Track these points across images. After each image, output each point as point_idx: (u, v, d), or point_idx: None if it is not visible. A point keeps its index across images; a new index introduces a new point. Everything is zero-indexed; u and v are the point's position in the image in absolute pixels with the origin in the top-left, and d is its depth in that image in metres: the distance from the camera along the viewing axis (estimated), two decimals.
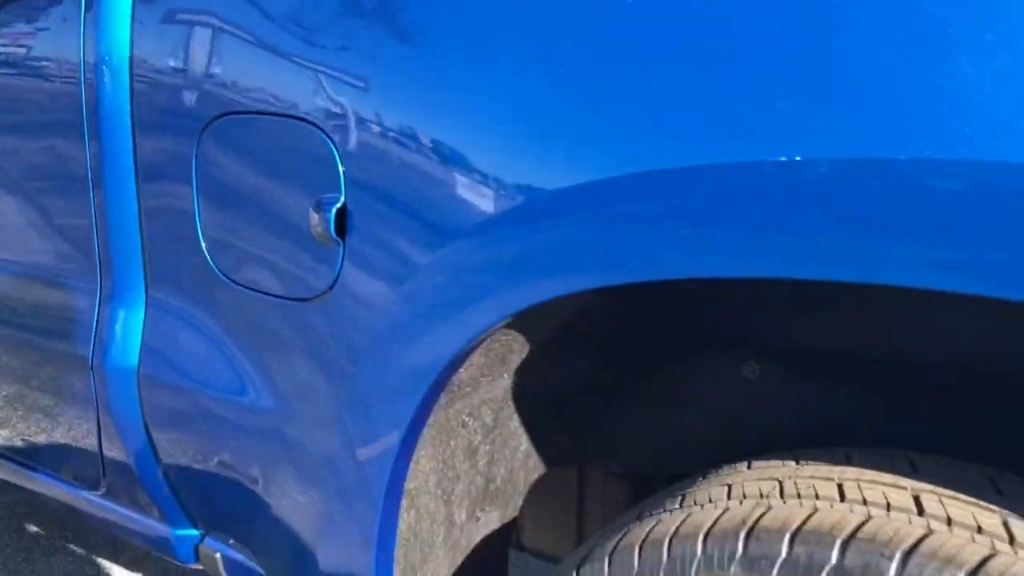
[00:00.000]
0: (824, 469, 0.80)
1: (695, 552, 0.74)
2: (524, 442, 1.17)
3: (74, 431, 1.33)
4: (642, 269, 0.73)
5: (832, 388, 1.01)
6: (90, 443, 1.32)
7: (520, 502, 1.20)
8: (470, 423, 1.08)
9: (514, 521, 1.21)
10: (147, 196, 1.13)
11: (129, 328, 1.18)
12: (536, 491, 1.20)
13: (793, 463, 0.83)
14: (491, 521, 1.18)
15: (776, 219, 0.65)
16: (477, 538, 1.15)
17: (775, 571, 0.69)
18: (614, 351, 1.09)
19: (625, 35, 0.72)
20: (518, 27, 0.78)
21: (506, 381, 1.06)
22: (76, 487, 1.40)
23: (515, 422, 1.14)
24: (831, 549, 0.67)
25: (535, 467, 1.19)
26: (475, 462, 1.11)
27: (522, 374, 1.07)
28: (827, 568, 0.67)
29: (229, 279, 1.06)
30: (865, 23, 0.61)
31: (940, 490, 0.74)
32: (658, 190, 0.70)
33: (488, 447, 1.12)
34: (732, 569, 0.71)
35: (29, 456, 1.48)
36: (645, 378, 1.12)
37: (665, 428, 1.14)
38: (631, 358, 1.10)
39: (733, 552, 0.72)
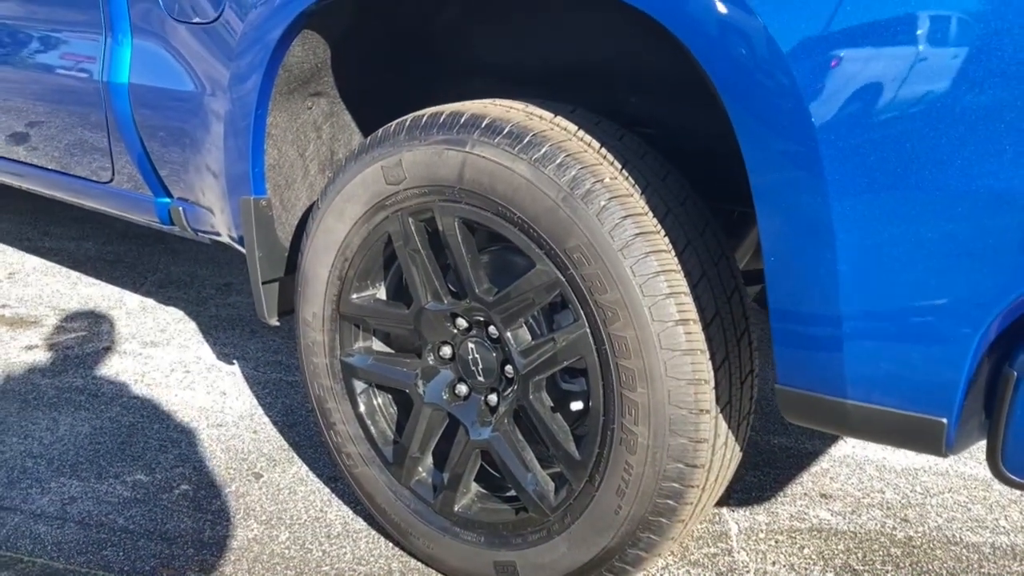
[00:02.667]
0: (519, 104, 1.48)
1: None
2: (356, 132, 1.90)
3: (91, 139, 2.11)
4: None
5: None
6: (102, 146, 2.09)
7: None
8: (313, 107, 1.81)
9: None
10: None
11: (122, 58, 1.94)
12: None
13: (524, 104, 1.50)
14: None
15: None
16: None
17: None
18: (396, 66, 1.81)
19: None
20: None
21: (330, 80, 1.78)
22: (92, 181, 2.20)
23: (347, 116, 1.87)
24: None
25: None
26: (320, 135, 1.85)
27: (340, 80, 1.79)
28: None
29: (174, 19, 1.81)
30: None
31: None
32: None
33: (329, 128, 1.86)
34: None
35: (53, 165, 2.28)
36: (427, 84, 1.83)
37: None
38: (412, 70, 1.82)
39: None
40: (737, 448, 1.45)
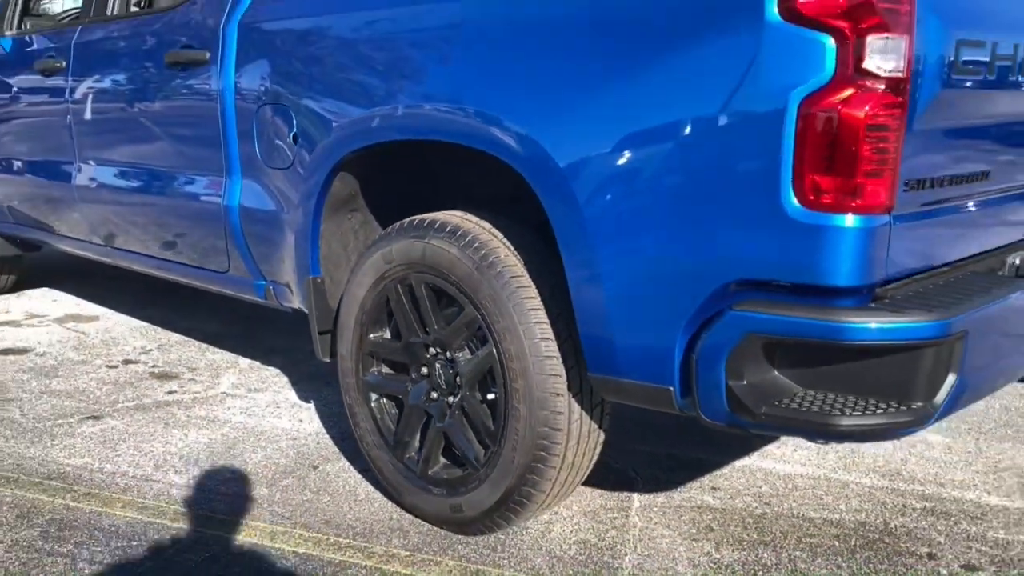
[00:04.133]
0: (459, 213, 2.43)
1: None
2: (379, 230, 2.87)
3: (215, 244, 3.15)
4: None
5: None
6: (222, 247, 3.13)
7: None
8: (351, 218, 2.79)
9: None
10: (239, 143, 2.94)
11: (235, 190, 2.99)
12: None
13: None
14: None
15: None
16: None
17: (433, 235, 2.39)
18: (406, 196, 2.78)
19: None
20: None
21: (361, 202, 2.76)
22: (215, 271, 3.24)
23: (375, 223, 2.84)
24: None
25: None
26: (356, 236, 2.82)
27: (368, 200, 2.77)
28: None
29: (266, 165, 2.85)
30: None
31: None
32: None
33: (363, 230, 2.83)
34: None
35: (189, 261, 3.34)
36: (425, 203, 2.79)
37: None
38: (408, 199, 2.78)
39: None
40: (595, 425, 2.28)
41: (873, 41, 1.66)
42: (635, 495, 2.74)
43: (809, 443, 3.14)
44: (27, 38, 4.15)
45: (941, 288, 1.91)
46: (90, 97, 3.60)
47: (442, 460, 2.51)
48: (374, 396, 2.62)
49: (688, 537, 2.49)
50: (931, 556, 2.42)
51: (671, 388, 1.97)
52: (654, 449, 3.06)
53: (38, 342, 4.23)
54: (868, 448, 3.10)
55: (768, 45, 1.71)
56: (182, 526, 2.50)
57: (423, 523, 2.53)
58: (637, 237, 1.93)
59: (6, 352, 4.07)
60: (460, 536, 2.46)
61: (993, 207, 2.12)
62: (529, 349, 2.17)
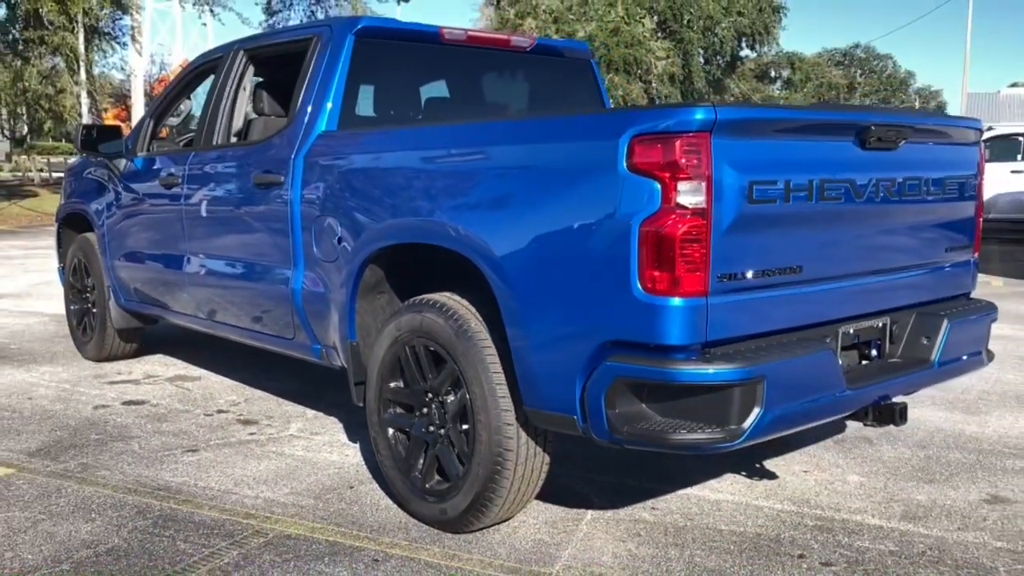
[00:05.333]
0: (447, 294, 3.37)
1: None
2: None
3: (285, 318, 4.17)
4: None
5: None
6: (290, 321, 4.14)
7: None
8: (380, 298, 3.76)
9: None
10: (302, 243, 3.97)
11: (299, 276, 4.01)
12: None
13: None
14: None
15: None
16: None
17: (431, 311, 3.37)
18: (416, 280, 3.73)
19: None
20: None
21: (387, 289, 3.73)
22: (285, 339, 4.25)
23: (398, 301, 3.81)
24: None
25: None
26: (384, 310, 3.77)
27: (392, 284, 3.73)
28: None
29: (320, 259, 3.86)
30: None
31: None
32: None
33: (389, 307, 3.79)
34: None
35: (266, 331, 4.36)
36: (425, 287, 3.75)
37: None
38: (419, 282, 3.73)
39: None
40: (539, 448, 3.15)
41: (682, 185, 2.55)
42: (589, 511, 3.56)
43: (746, 477, 3.91)
44: (154, 158, 5.33)
45: (760, 347, 2.74)
46: (197, 206, 4.72)
47: (436, 476, 3.40)
48: (391, 430, 3.54)
49: (618, 539, 3.31)
50: (801, 556, 3.17)
51: (575, 416, 2.83)
52: (615, 480, 3.89)
53: (153, 396, 5.32)
54: (791, 483, 3.85)
55: (621, 187, 2.62)
56: (249, 522, 3.45)
57: (422, 524, 3.41)
58: (548, 309, 2.83)
59: (128, 403, 5.16)
60: (448, 533, 3.33)
61: (813, 291, 2.93)
62: (488, 391, 3.07)
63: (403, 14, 38.96)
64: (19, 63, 24.35)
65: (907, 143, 3.11)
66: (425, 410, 3.39)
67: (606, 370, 2.70)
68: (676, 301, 2.59)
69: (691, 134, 2.54)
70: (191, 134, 5.38)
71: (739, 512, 3.56)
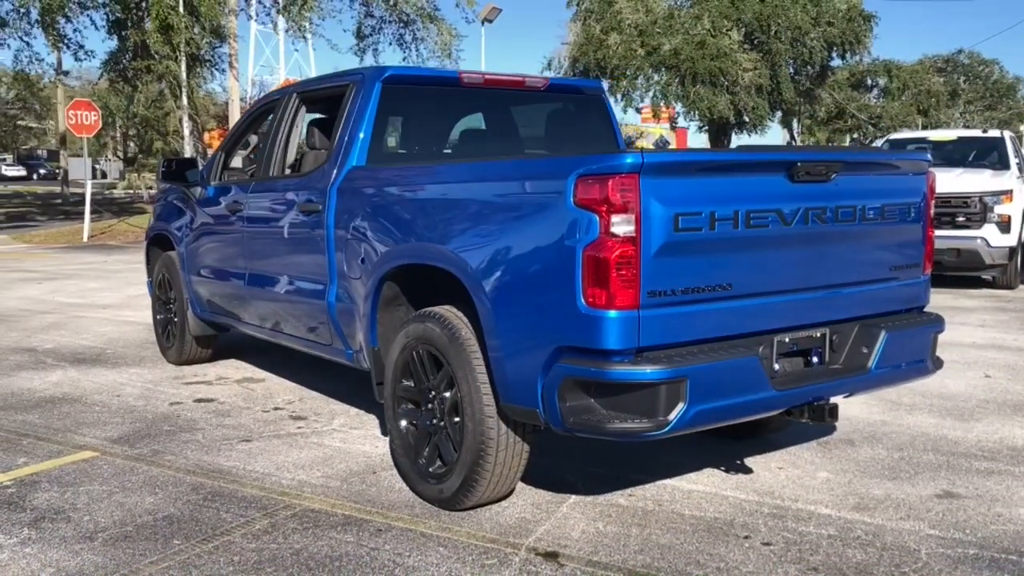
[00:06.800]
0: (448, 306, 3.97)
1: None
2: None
3: (321, 326, 4.82)
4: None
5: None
6: (325, 329, 4.79)
7: None
8: (398, 311, 4.37)
9: None
10: (335, 263, 4.62)
11: (333, 290, 4.65)
12: None
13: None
14: None
15: None
16: None
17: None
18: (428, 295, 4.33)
19: None
20: None
21: (404, 302, 4.33)
22: (319, 344, 4.91)
23: (412, 313, 4.41)
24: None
25: None
26: (401, 319, 4.39)
27: (409, 297, 4.34)
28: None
29: (348, 276, 4.49)
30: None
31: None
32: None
33: (406, 317, 4.40)
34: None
35: (305, 336, 5.03)
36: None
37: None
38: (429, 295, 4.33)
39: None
40: (518, 438, 3.69)
41: (615, 218, 3.07)
42: (572, 496, 4.09)
43: (724, 472, 4.37)
44: (223, 187, 6.09)
45: (687, 353, 3.23)
46: (256, 228, 5.44)
47: (437, 462, 3.98)
48: (403, 423, 4.14)
49: (590, 519, 3.82)
50: (747, 537, 3.63)
51: (538, 410, 3.37)
52: (603, 471, 4.40)
53: (221, 395, 6.07)
54: (763, 477, 4.30)
55: (568, 219, 3.16)
56: (282, 498, 4.09)
57: (426, 503, 4.00)
58: (515, 320, 3.39)
59: (199, 401, 5.91)
60: (445, 511, 3.91)
61: (744, 305, 3.40)
62: (474, 389, 3.64)
63: (486, 34, 39.92)
64: (129, 89, 26.10)
65: (841, 176, 3.55)
66: (429, 405, 3.97)
67: (558, 370, 3.24)
68: (612, 313, 3.11)
69: (622, 175, 3.07)
70: (253, 167, 6.12)
71: (705, 500, 4.03)
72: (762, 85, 46.62)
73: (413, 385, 4.07)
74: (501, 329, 3.46)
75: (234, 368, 6.93)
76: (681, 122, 52.16)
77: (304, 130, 5.43)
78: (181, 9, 22.04)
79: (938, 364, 4.09)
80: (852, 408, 5.50)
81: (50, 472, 4.48)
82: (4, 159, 67.87)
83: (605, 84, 44.60)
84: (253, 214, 5.51)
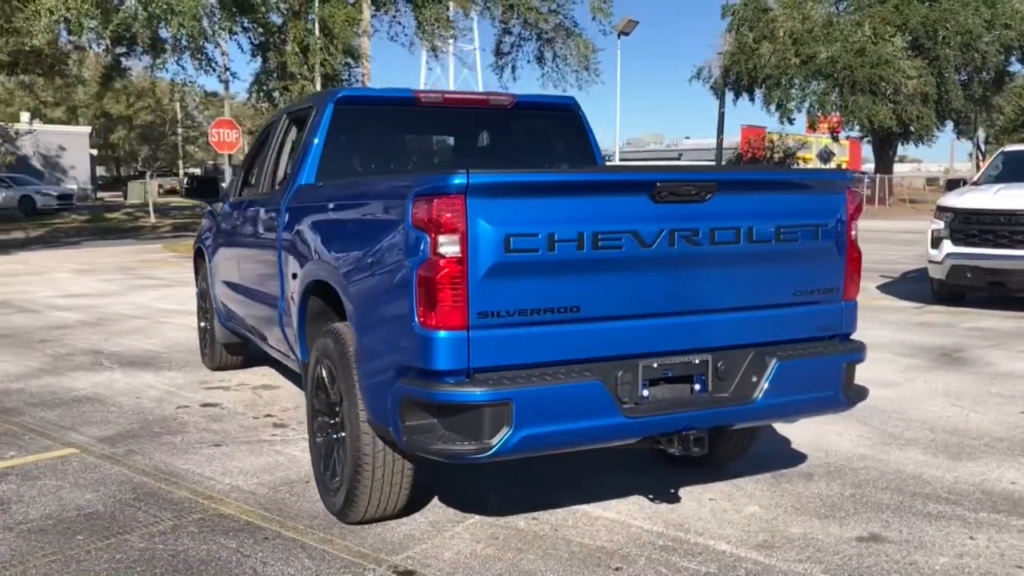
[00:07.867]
0: None
1: None
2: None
3: (280, 336, 5.00)
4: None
5: None
6: (284, 340, 4.97)
7: None
8: (323, 322, 4.48)
9: None
10: (282, 275, 4.79)
11: (282, 303, 4.83)
12: None
13: None
14: None
15: None
16: None
17: None
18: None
19: None
20: None
21: (333, 316, 4.44)
22: (285, 355, 5.09)
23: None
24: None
25: None
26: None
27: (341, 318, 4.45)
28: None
29: (288, 292, 4.65)
30: None
31: None
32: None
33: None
34: None
35: (273, 347, 5.22)
36: None
37: None
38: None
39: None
40: (397, 456, 3.71)
41: (442, 238, 3.06)
42: (475, 516, 4.06)
43: (650, 500, 4.23)
44: (233, 203, 6.42)
45: (520, 375, 3.16)
46: (244, 241, 5.71)
47: (337, 476, 4.05)
48: (318, 436, 4.24)
49: (475, 541, 3.79)
50: (616, 569, 3.51)
51: (390, 428, 3.39)
52: (525, 491, 4.34)
53: (229, 400, 6.37)
54: (686, 509, 4.13)
55: (406, 239, 3.18)
56: (204, 502, 4.27)
57: (330, 515, 4.08)
58: (370, 335, 3.44)
59: (204, 405, 6.23)
60: (340, 524, 3.97)
61: (596, 328, 3.29)
62: (352, 404, 3.69)
63: (623, 47, 39.72)
64: (270, 109, 27.60)
65: (720, 195, 3.39)
66: (333, 420, 4.05)
67: (398, 390, 3.25)
68: (441, 334, 3.10)
69: (449, 196, 3.06)
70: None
71: (606, 528, 3.91)
72: (928, 93, 43.99)
73: (325, 398, 4.17)
74: (363, 345, 3.51)
75: (259, 375, 7.25)
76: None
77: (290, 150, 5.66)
78: (317, 32, 23.21)
79: (858, 396, 3.81)
80: (842, 442, 5.18)
81: (24, 466, 4.85)
82: (187, 173, 73.70)
83: (759, 94, 42.69)
84: (243, 229, 5.78)
